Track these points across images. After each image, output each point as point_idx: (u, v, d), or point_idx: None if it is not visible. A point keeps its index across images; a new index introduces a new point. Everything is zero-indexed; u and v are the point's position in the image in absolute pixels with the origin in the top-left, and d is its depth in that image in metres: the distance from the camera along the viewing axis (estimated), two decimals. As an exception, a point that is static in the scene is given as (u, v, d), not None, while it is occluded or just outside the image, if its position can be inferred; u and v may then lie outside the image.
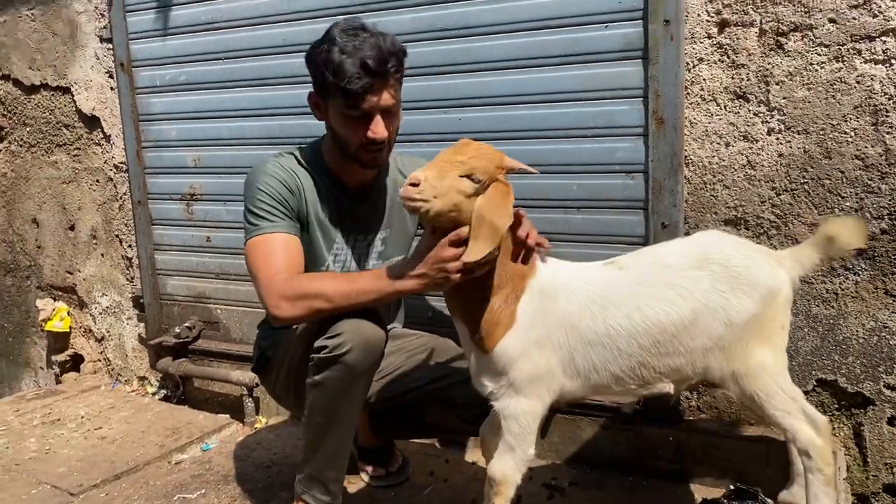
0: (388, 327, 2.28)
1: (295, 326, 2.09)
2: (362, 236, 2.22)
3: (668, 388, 1.90)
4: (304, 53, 2.02)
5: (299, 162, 2.12)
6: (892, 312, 2.11)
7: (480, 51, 2.53)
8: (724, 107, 2.23)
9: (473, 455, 2.65)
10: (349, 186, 2.16)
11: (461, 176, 1.69)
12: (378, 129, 1.97)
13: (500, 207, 1.71)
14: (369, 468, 2.52)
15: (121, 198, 3.53)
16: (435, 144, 2.64)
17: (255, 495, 2.49)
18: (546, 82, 2.44)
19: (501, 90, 2.52)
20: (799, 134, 2.14)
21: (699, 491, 2.33)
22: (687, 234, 2.31)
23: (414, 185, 1.67)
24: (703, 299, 1.77)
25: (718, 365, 1.79)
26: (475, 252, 1.68)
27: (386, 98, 1.95)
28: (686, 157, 2.29)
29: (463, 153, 1.72)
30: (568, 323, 1.81)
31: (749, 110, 2.20)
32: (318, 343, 1.93)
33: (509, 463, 1.85)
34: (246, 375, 3.11)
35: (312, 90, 2.03)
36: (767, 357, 1.75)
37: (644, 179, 2.34)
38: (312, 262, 2.14)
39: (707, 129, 2.27)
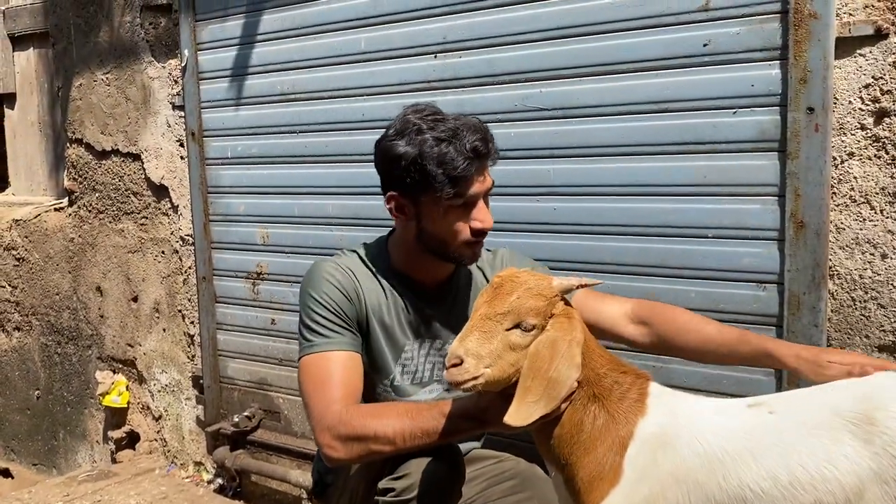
0: (467, 447, 1.98)
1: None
2: (438, 343, 1.92)
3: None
4: (378, 149, 1.77)
5: (361, 259, 1.88)
6: None
7: (582, 134, 2.23)
8: (881, 211, 1.87)
9: None
10: (421, 286, 1.89)
11: (509, 329, 1.39)
12: (485, 216, 1.74)
13: (558, 354, 1.38)
14: None
15: (185, 271, 3.34)
16: (525, 235, 2.37)
17: None
18: (660, 173, 2.12)
19: (605, 179, 2.21)
20: (980, 248, 1.76)
21: None
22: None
23: (456, 364, 1.38)
24: (873, 465, 1.38)
25: (893, 553, 1.40)
26: (521, 414, 1.35)
27: (489, 181, 1.75)
28: (831, 268, 1.93)
29: (503, 300, 1.41)
30: (690, 479, 1.44)
31: (913, 217, 1.83)
32: (383, 483, 1.67)
33: None
34: (305, 476, 2.83)
35: (392, 192, 1.76)
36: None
37: (778, 292, 1.97)
38: (377, 375, 1.86)
39: (858, 237, 1.90)
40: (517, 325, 1.39)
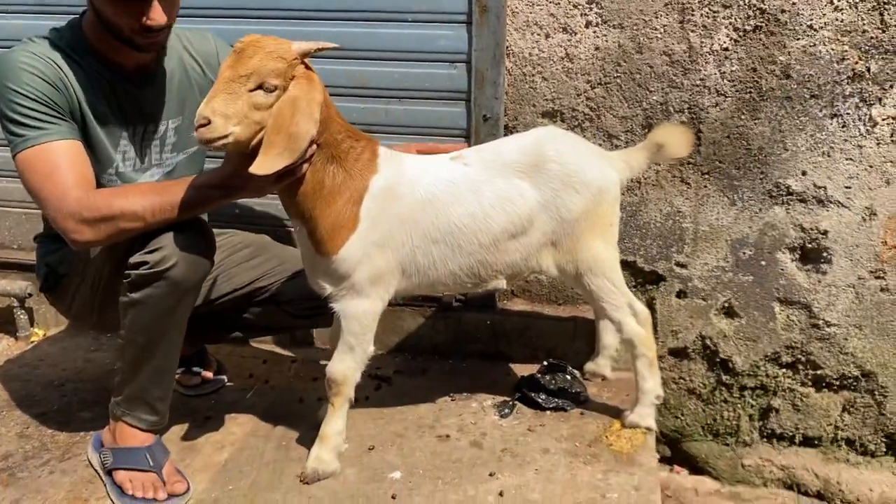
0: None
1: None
2: (152, 127, 1.95)
3: (502, 283, 1.97)
4: None
5: (56, 46, 1.78)
6: (686, 199, 2.33)
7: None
8: (546, -4, 2.23)
9: (290, 351, 2.60)
10: (126, 70, 1.86)
11: (252, 90, 1.53)
12: (156, 14, 1.69)
13: (298, 111, 1.54)
14: (183, 378, 2.36)
15: None
16: (231, 21, 2.40)
17: (52, 418, 2.23)
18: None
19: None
20: (615, 28, 2.21)
21: (515, 368, 2.49)
22: (506, 126, 2.35)
23: (203, 125, 1.50)
24: (538, 197, 1.83)
25: (552, 260, 1.89)
26: (266, 164, 1.52)
27: None
28: (508, 47, 2.28)
29: (245, 63, 1.52)
30: (411, 219, 1.78)
31: (569, 2, 2.22)
32: (134, 258, 1.72)
33: (349, 363, 1.85)
34: (14, 284, 2.72)
35: None
36: (599, 252, 1.87)
37: (467, 70, 2.29)
38: (99, 165, 1.86)
39: (528, 20, 2.26)
40: (260, 87, 1.52)
